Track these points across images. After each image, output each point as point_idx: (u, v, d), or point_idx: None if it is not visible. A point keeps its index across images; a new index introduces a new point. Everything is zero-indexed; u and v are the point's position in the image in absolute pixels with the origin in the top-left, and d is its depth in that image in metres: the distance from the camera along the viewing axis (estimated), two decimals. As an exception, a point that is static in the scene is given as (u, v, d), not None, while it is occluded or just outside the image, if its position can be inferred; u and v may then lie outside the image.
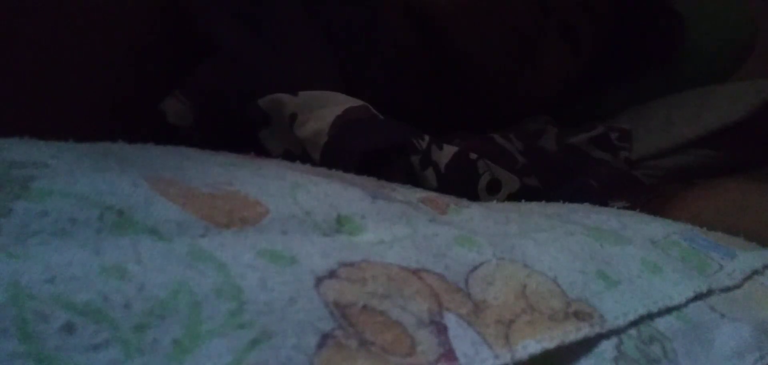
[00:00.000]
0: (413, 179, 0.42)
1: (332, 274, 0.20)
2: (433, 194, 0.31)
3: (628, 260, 0.26)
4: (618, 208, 0.35)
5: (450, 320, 0.20)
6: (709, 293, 0.26)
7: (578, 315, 0.22)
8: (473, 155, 0.45)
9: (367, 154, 0.39)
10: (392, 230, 0.24)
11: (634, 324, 0.23)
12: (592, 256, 0.26)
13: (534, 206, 0.34)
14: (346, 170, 0.31)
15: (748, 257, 0.29)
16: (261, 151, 0.41)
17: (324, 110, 0.41)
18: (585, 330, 0.21)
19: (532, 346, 0.20)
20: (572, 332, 0.21)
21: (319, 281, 0.19)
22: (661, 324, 0.23)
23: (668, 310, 0.24)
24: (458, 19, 0.51)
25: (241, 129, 0.42)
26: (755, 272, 0.28)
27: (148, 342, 0.16)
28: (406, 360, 0.18)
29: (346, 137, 0.40)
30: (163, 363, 0.16)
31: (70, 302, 0.16)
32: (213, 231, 0.20)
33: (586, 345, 0.21)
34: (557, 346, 0.20)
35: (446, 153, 0.44)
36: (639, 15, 0.64)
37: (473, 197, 0.41)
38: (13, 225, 0.18)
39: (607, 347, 0.21)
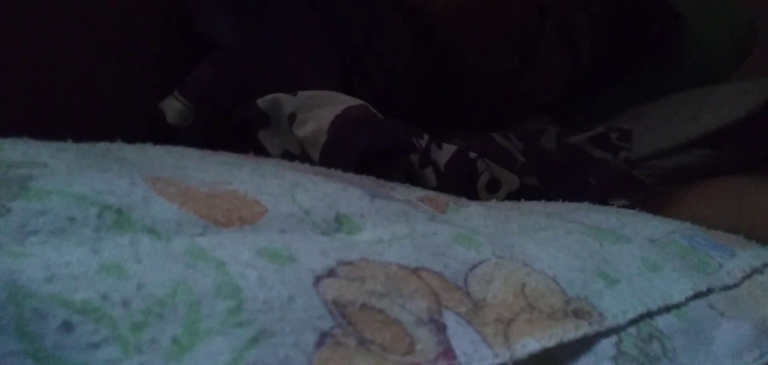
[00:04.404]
0: (412, 178, 0.42)
1: (331, 273, 0.20)
2: (432, 193, 0.30)
3: (627, 258, 0.26)
4: (617, 207, 0.35)
5: (449, 318, 0.20)
6: (709, 291, 0.26)
7: (577, 314, 0.22)
8: (473, 154, 0.45)
9: (367, 153, 0.39)
10: (391, 229, 0.24)
11: (634, 322, 0.23)
12: (591, 255, 0.26)
13: (533, 205, 0.34)
14: (346, 169, 0.31)
15: (748, 255, 0.29)
16: (260, 151, 0.41)
17: (323, 109, 0.41)
18: (584, 329, 0.21)
19: (532, 345, 0.20)
20: (571, 330, 0.21)
21: (318, 279, 0.19)
22: (660, 322, 0.23)
23: (668, 308, 0.24)
24: (456, 22, 0.51)
25: (240, 129, 0.42)
26: (755, 271, 0.28)
27: (146, 341, 0.16)
28: (405, 359, 0.18)
29: (345, 137, 0.40)
30: (162, 361, 0.16)
31: (69, 300, 0.16)
32: (212, 230, 0.20)
33: (586, 343, 0.21)
34: (556, 345, 0.20)
35: (446, 152, 0.45)
36: (639, 15, 0.64)
37: (473, 196, 0.41)
38: (11, 224, 0.18)
39: (606, 345, 0.21)
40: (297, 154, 0.41)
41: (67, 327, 0.16)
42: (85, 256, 0.17)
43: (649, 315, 0.23)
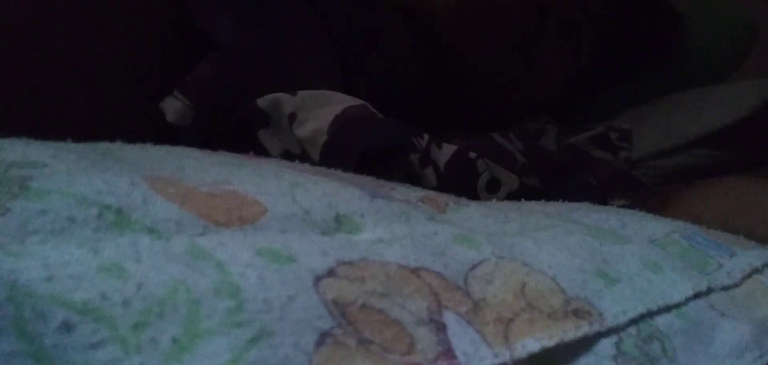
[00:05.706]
0: (412, 178, 0.42)
1: (331, 273, 0.20)
2: (432, 193, 0.30)
3: (627, 258, 0.26)
4: (617, 207, 0.35)
5: (449, 318, 0.20)
6: (709, 291, 0.26)
7: (577, 314, 0.22)
8: (473, 154, 0.45)
9: (367, 153, 0.39)
10: (391, 229, 0.24)
11: (634, 322, 0.23)
12: (591, 255, 0.26)
13: (533, 205, 0.34)
14: (346, 169, 0.31)
15: (748, 255, 0.29)
16: (260, 151, 0.41)
17: (323, 109, 0.41)
18: (584, 329, 0.21)
19: (531, 344, 0.20)
20: (571, 330, 0.21)
21: (318, 279, 0.19)
22: (660, 322, 0.23)
23: (668, 308, 0.24)
24: (456, 22, 0.51)
25: (240, 129, 0.42)
26: (755, 271, 0.28)
27: (146, 341, 0.16)
28: (405, 359, 0.18)
29: (345, 137, 0.40)
30: (162, 361, 0.16)
31: (69, 300, 0.16)
32: (211, 230, 0.20)
33: (586, 343, 0.21)
34: (556, 344, 0.20)
35: (446, 152, 0.45)
36: (639, 15, 0.64)
37: (473, 196, 0.41)
38: (11, 224, 0.18)
39: (606, 345, 0.21)
40: (297, 154, 0.41)
41: (67, 327, 0.16)
42: (84, 256, 0.17)
43: (649, 315, 0.23)
